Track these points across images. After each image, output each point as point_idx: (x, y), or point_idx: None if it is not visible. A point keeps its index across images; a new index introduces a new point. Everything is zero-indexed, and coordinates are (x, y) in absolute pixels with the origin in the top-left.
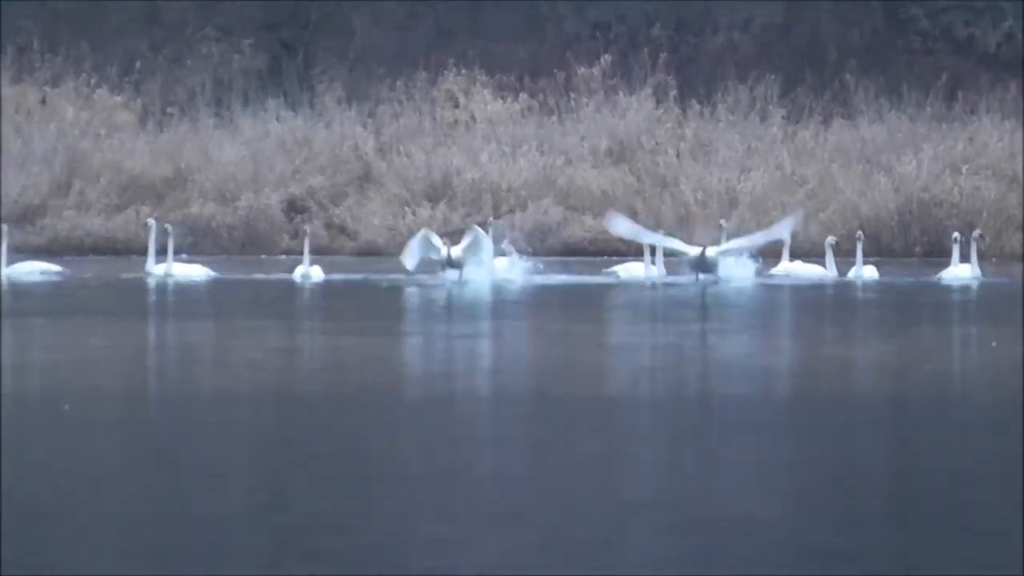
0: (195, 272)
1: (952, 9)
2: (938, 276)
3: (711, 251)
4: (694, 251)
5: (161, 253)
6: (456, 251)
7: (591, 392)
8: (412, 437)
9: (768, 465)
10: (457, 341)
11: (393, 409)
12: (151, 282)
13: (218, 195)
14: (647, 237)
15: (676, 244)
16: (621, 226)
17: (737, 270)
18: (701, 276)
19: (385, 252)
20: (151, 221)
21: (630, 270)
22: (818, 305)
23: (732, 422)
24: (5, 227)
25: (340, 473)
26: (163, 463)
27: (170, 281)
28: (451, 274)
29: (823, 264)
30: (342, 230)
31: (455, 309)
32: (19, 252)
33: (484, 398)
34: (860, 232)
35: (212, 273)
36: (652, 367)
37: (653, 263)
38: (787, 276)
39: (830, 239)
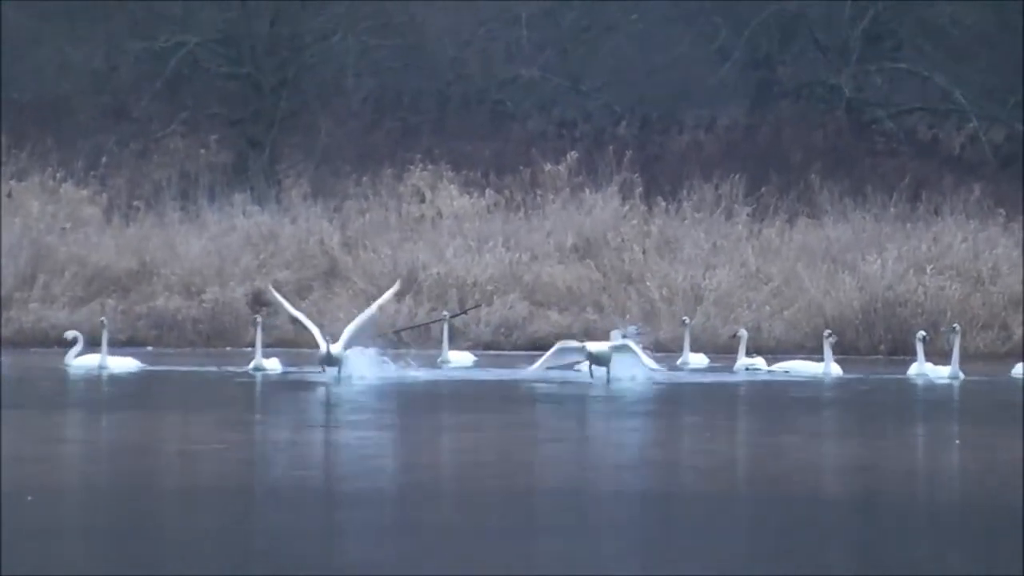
0: (127, 364)
1: (916, 111)
2: (908, 374)
3: (591, 346)
4: (591, 346)
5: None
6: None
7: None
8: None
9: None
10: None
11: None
12: (75, 374)
13: (183, 288)
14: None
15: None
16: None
17: (627, 367)
18: (595, 371)
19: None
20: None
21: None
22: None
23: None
24: None
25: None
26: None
27: (103, 373)
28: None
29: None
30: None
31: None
32: None
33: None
34: (828, 330)
35: (142, 365)
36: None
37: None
38: (786, 373)
39: (829, 336)
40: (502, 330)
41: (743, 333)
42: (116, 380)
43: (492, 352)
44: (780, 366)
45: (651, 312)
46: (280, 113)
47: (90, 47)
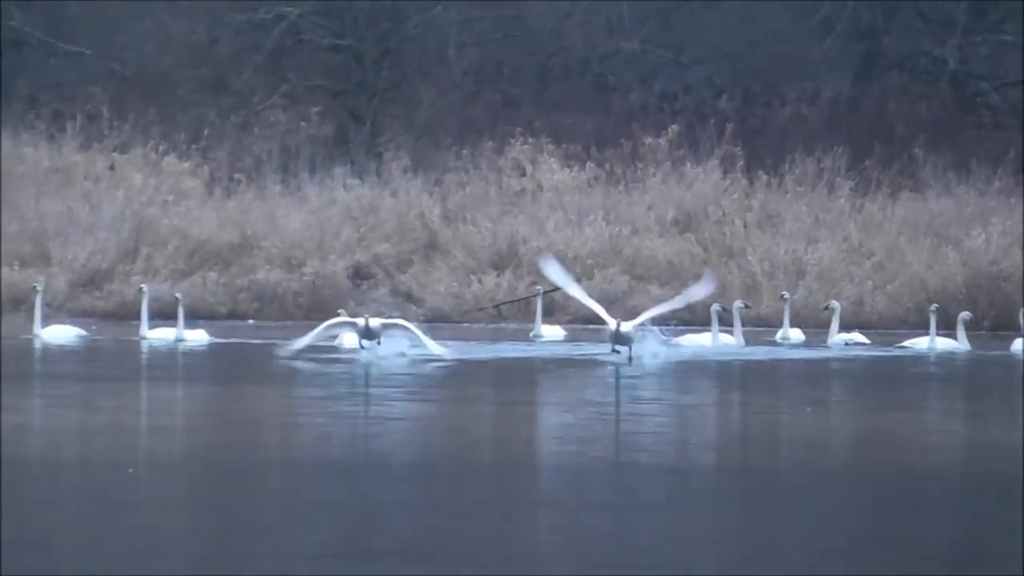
0: (200, 337)
1: (1021, 84)
2: (1011, 349)
3: (625, 326)
4: (611, 324)
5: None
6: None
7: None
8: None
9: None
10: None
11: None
12: (148, 346)
13: (284, 262)
14: (572, 289)
15: (597, 309)
16: (552, 269)
17: (648, 345)
18: (618, 349)
19: (450, 319)
20: (144, 287)
21: (693, 341)
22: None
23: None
24: (40, 287)
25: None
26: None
27: (179, 345)
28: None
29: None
30: (408, 297)
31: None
32: (86, 316)
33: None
34: (934, 304)
35: (213, 338)
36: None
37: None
38: (929, 349)
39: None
40: (602, 304)
41: (835, 305)
42: (198, 353)
43: (592, 327)
44: (913, 342)
45: (752, 286)
46: (381, 85)
47: (191, 20)
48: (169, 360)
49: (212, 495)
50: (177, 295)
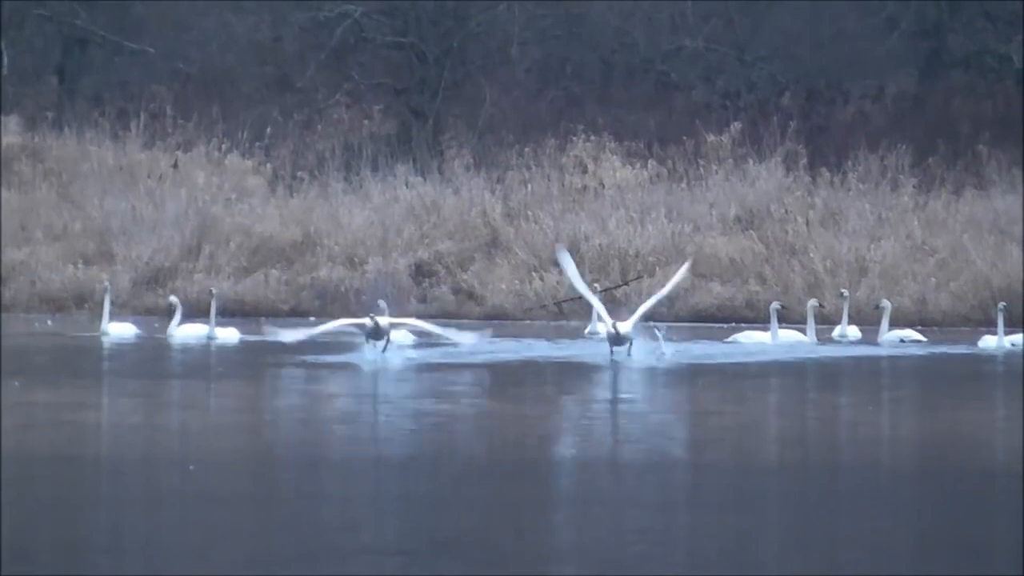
0: (231, 335)
1: None
2: None
3: (622, 327)
4: (608, 325)
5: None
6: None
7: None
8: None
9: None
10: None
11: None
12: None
13: (346, 259)
14: (578, 284)
15: (598, 307)
16: (566, 260)
17: (647, 347)
18: (616, 349)
19: (512, 317)
20: (214, 290)
21: (752, 337)
22: None
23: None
24: (107, 285)
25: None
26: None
27: (212, 343)
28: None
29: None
30: (469, 295)
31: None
32: (149, 314)
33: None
34: (1002, 303)
35: (243, 336)
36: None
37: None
38: (1014, 345)
39: (1003, 308)
40: (664, 301)
41: (885, 304)
42: (229, 350)
43: (652, 323)
44: (984, 340)
45: (814, 284)
46: (444, 83)
47: (255, 18)
48: (233, 357)
49: (281, 493)
50: (212, 290)
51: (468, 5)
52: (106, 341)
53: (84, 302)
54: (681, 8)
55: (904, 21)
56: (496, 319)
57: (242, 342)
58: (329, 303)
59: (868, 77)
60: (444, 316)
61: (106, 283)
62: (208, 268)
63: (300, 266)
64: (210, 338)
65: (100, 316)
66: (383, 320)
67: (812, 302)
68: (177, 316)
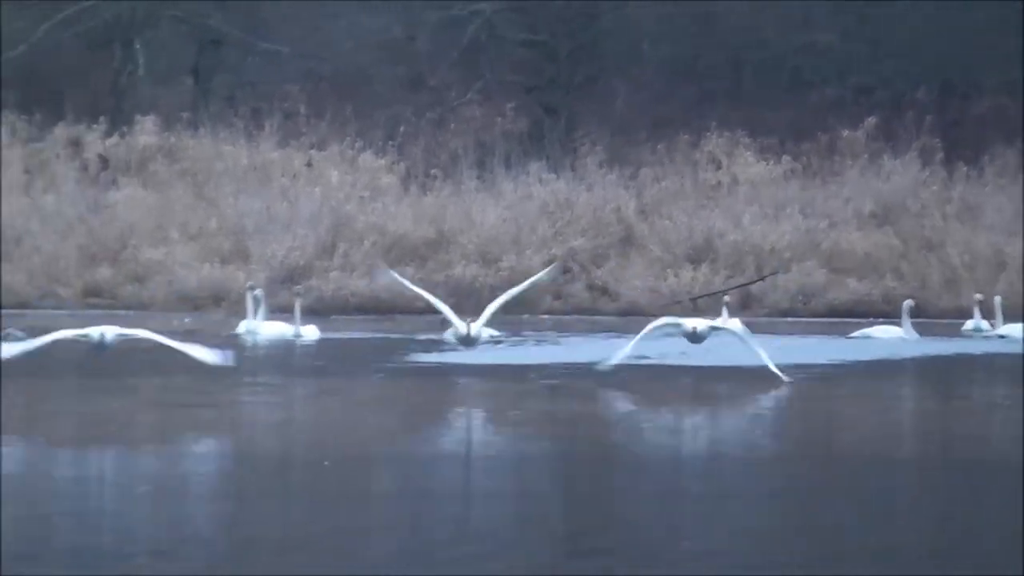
0: (312, 332)
1: None
2: None
3: (475, 327)
4: (460, 326)
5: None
6: (475, 328)
7: None
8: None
9: None
10: None
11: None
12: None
13: (480, 257)
14: (415, 288)
15: (444, 310)
16: (396, 275)
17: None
18: (693, 349)
19: (647, 313)
20: (299, 289)
21: (885, 331)
22: None
23: None
24: (254, 284)
25: None
26: None
27: (297, 340)
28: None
29: None
30: (604, 292)
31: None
32: (284, 312)
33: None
34: None
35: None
36: None
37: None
38: None
39: None
40: (800, 297)
41: (978, 297)
42: (313, 348)
43: (789, 319)
44: None
45: (952, 279)
46: (576, 80)
47: (387, 18)
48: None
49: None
50: (297, 289)
51: (598, 4)
52: (255, 340)
53: (221, 300)
54: (813, 3)
55: None
56: (631, 315)
57: (322, 340)
58: (463, 300)
59: (1004, 70)
60: (578, 313)
61: (252, 284)
62: (343, 266)
63: (434, 264)
64: (296, 336)
65: (241, 314)
66: (475, 326)
67: (908, 302)
68: (262, 309)
